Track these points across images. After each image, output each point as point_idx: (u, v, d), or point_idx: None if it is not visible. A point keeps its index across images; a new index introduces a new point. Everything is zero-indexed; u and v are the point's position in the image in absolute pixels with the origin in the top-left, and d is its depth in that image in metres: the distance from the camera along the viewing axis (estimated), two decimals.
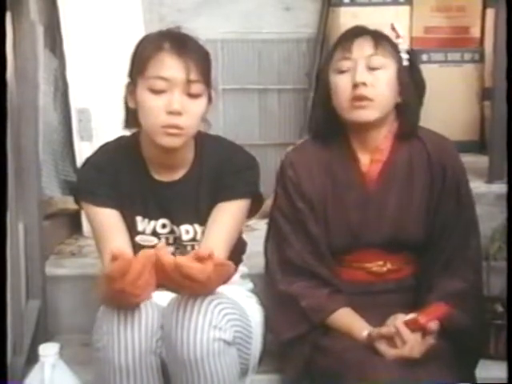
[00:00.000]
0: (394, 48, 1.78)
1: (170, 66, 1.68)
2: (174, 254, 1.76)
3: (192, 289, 1.57)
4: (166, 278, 1.54)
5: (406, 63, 1.78)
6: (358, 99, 1.73)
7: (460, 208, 1.79)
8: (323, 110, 1.82)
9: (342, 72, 1.76)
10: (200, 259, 1.51)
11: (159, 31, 1.78)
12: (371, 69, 1.74)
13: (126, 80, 1.76)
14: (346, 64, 1.75)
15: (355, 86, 1.72)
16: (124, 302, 1.58)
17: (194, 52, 1.70)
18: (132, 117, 1.77)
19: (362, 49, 1.75)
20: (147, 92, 1.69)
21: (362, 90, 1.72)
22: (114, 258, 1.51)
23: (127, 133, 1.86)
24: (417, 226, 1.80)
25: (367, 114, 1.74)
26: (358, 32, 1.78)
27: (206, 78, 1.72)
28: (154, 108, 1.68)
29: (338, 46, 1.80)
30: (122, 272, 1.48)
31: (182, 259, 1.52)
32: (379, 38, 1.77)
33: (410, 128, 1.81)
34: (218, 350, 1.61)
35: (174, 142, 1.70)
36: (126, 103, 1.78)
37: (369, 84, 1.72)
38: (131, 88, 1.74)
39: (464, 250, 1.79)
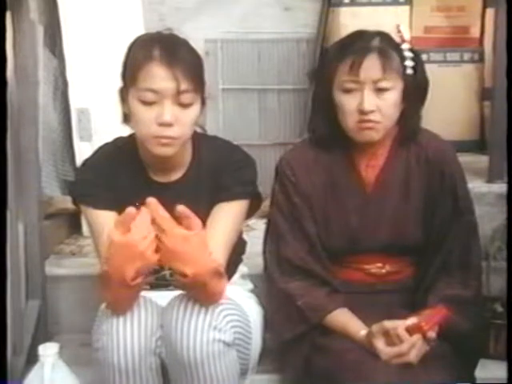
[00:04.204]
0: (401, 59, 1.73)
1: (160, 78, 1.64)
2: None
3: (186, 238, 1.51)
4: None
5: (410, 71, 1.73)
6: (364, 122, 1.71)
7: (458, 211, 1.78)
8: (325, 122, 1.80)
9: (347, 91, 1.72)
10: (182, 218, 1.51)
11: (150, 35, 1.74)
12: (379, 91, 1.70)
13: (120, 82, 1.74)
14: (352, 85, 1.71)
15: (362, 112, 1.70)
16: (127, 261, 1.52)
17: (184, 59, 1.66)
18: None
19: (370, 72, 1.69)
20: (138, 103, 1.66)
21: (369, 116, 1.70)
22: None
23: (126, 133, 1.85)
24: (415, 230, 1.80)
25: (372, 136, 1.73)
26: (366, 49, 1.70)
27: (198, 85, 1.68)
28: (145, 119, 1.66)
29: (343, 59, 1.71)
30: (130, 218, 1.48)
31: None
32: (387, 57, 1.70)
33: (411, 133, 1.80)
34: (218, 351, 1.61)
35: (167, 152, 1.69)
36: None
37: (376, 109, 1.70)
38: (124, 94, 1.72)
39: (465, 255, 1.78)
